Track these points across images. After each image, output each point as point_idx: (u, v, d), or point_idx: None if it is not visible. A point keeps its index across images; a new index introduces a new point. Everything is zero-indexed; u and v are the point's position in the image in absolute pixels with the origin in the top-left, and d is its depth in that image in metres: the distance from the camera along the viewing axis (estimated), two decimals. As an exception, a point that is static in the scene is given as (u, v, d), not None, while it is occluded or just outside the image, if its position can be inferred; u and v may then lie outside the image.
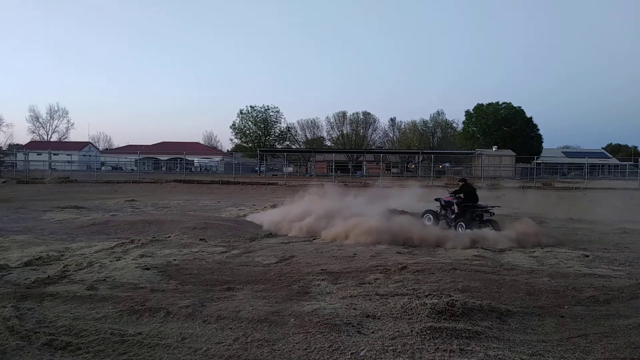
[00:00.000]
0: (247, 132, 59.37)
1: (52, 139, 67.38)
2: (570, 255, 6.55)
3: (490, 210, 8.42)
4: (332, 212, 9.18)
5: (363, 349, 3.01)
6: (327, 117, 62.99)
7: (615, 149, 67.74)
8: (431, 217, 9.08)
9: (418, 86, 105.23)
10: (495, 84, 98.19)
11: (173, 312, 3.70)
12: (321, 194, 12.35)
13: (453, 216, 8.61)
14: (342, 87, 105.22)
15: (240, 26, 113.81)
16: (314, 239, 7.96)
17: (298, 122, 63.22)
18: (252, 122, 59.20)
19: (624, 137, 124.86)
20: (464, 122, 55.60)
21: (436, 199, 9.40)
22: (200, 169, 53.10)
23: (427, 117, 63.47)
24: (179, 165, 44.76)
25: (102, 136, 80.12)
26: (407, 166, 43.73)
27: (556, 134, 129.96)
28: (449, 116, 65.21)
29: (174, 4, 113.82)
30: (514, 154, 42.52)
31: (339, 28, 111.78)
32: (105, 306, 3.86)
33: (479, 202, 8.59)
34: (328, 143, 63.24)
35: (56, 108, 69.26)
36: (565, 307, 4.06)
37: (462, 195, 8.68)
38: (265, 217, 10.11)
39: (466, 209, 8.47)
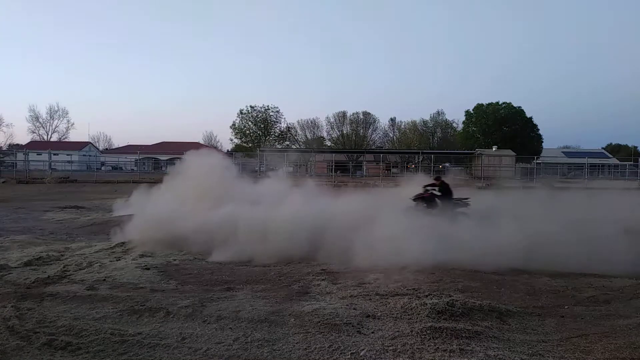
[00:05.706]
0: (247, 132, 59.42)
1: (52, 139, 67.08)
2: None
3: (465, 201, 8.98)
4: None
5: (363, 349, 3.01)
6: (327, 117, 62.75)
7: (615, 149, 67.60)
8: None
9: (418, 86, 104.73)
10: (495, 83, 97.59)
11: (173, 312, 3.71)
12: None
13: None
14: (342, 87, 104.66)
15: (239, 26, 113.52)
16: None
17: (298, 122, 63.03)
18: (252, 122, 59.24)
19: (624, 137, 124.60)
20: (464, 122, 55.52)
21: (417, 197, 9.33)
22: (200, 169, 52.87)
23: (427, 117, 63.27)
24: (179, 165, 44.64)
25: (102, 136, 79.31)
26: (407, 166, 43.64)
27: (556, 133, 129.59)
28: (449, 116, 64.68)
29: (173, 3, 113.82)
30: (514, 154, 42.43)
31: (339, 27, 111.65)
32: (105, 306, 3.87)
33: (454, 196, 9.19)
34: (328, 143, 63.09)
35: (56, 108, 68.78)
36: (565, 307, 4.06)
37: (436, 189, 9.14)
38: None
39: (448, 200, 8.98)
